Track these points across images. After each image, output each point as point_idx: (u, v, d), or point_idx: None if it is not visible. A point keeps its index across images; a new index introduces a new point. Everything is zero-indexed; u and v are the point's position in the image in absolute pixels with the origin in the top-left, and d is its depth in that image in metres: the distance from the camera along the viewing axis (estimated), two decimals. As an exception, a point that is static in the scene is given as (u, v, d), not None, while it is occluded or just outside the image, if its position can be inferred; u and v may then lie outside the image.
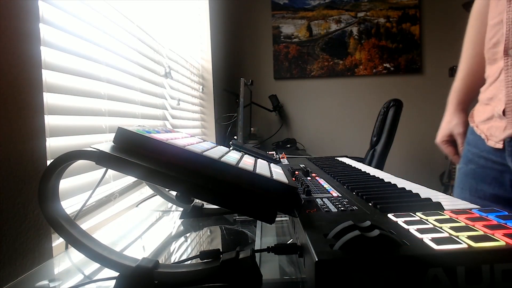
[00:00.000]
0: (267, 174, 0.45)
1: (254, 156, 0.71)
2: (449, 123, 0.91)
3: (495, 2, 0.66)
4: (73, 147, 0.71)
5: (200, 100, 2.13)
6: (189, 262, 0.43)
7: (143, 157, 0.40)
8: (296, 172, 0.75)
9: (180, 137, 0.54)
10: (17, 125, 0.57)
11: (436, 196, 0.54)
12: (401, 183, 0.62)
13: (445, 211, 0.40)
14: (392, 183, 0.61)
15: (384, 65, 3.07)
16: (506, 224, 0.34)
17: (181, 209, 0.73)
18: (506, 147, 0.70)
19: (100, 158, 0.39)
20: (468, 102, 0.89)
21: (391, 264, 0.28)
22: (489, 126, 0.74)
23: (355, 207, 0.44)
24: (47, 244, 0.62)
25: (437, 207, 0.43)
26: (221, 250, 0.39)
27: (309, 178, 0.70)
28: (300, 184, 0.61)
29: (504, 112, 0.68)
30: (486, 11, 0.75)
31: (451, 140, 0.92)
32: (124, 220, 0.82)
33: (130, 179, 1.01)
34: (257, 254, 0.40)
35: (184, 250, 0.60)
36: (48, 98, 0.67)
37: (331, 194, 0.54)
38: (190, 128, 1.86)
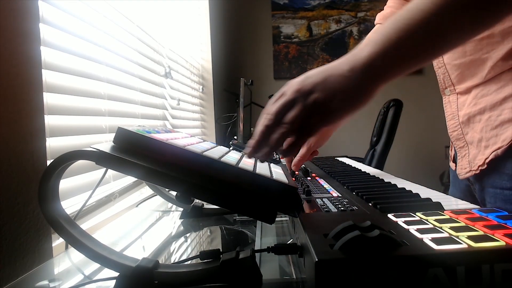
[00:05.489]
0: (267, 174, 0.45)
1: (254, 156, 0.71)
2: None
3: None
4: (73, 147, 0.71)
5: (200, 100, 2.13)
6: (189, 262, 0.43)
7: (143, 157, 0.40)
8: (296, 172, 0.75)
9: (180, 137, 0.55)
10: (17, 125, 0.57)
11: (436, 196, 0.54)
12: (401, 183, 0.62)
13: (445, 211, 0.40)
14: (392, 183, 0.61)
15: (384, 65, 3.06)
16: (506, 224, 0.34)
17: (181, 209, 0.73)
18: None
19: (100, 158, 0.39)
20: None
21: (391, 264, 0.28)
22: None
23: (355, 207, 0.44)
24: (47, 244, 0.62)
25: (437, 207, 0.43)
26: (221, 250, 0.39)
27: (309, 178, 0.70)
28: (300, 184, 0.61)
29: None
30: None
31: None
32: (124, 220, 0.82)
33: (130, 179, 1.01)
34: (257, 254, 0.40)
35: (184, 250, 0.60)
36: (48, 98, 0.67)
37: (331, 194, 0.54)
38: (190, 128, 1.86)
